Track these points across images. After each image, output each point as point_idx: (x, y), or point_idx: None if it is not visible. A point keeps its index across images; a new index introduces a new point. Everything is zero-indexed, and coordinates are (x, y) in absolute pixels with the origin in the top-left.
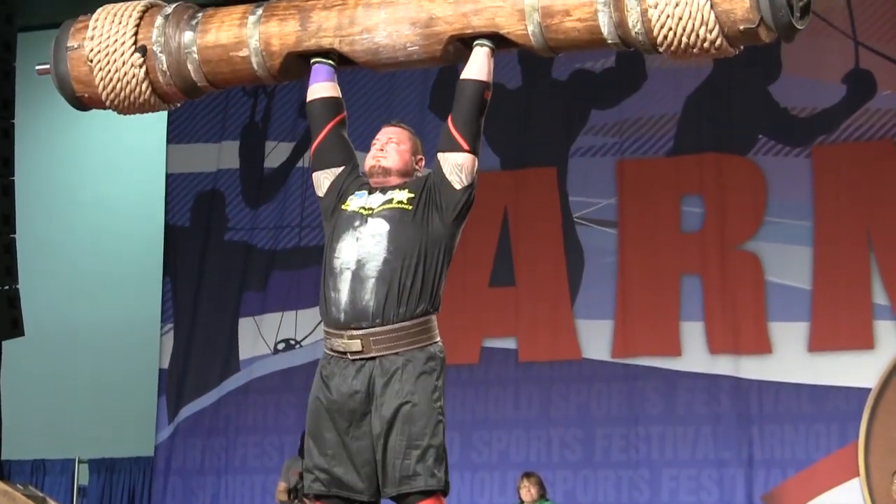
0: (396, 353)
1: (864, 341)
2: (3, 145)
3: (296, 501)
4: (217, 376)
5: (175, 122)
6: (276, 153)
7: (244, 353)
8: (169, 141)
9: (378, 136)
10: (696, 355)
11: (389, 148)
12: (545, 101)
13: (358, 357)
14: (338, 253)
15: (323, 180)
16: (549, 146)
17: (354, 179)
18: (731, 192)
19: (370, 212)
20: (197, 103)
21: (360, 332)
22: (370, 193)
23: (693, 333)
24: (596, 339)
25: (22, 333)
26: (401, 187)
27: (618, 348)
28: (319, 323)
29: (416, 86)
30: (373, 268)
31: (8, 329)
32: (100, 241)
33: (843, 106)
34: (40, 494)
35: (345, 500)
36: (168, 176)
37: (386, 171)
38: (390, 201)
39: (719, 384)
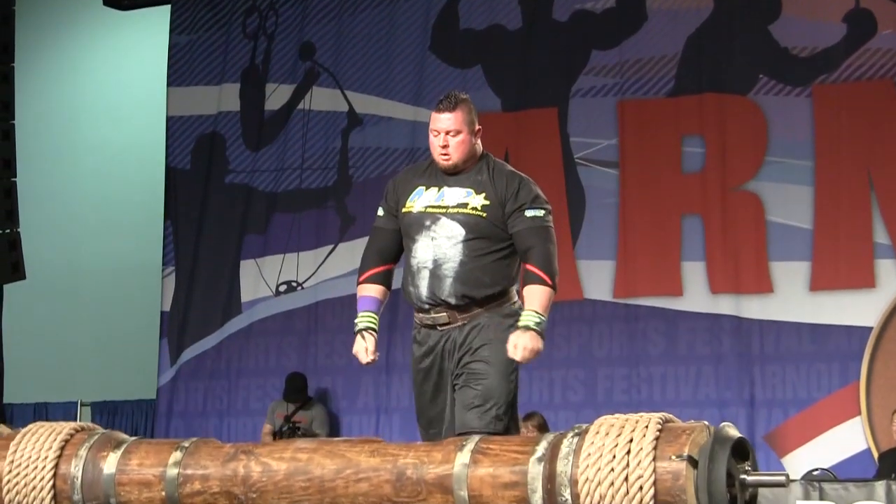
0: (478, 317)
1: (866, 280)
2: (3, 89)
3: None
4: (219, 319)
5: (175, 65)
6: (276, 95)
7: (245, 295)
8: (169, 84)
9: (434, 127)
10: (697, 295)
11: (452, 143)
12: (545, 41)
13: (445, 326)
14: (414, 252)
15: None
16: (549, 87)
17: (401, 188)
18: (732, 132)
19: (444, 210)
20: (197, 45)
21: (444, 309)
22: (438, 188)
23: (694, 273)
24: (597, 280)
25: (23, 277)
26: (476, 188)
27: (619, 288)
28: (320, 265)
29: (418, 26)
30: (450, 268)
31: (9, 272)
32: (100, 184)
33: (843, 45)
34: None
35: None
36: (168, 119)
37: (455, 167)
38: (465, 206)
39: (721, 324)
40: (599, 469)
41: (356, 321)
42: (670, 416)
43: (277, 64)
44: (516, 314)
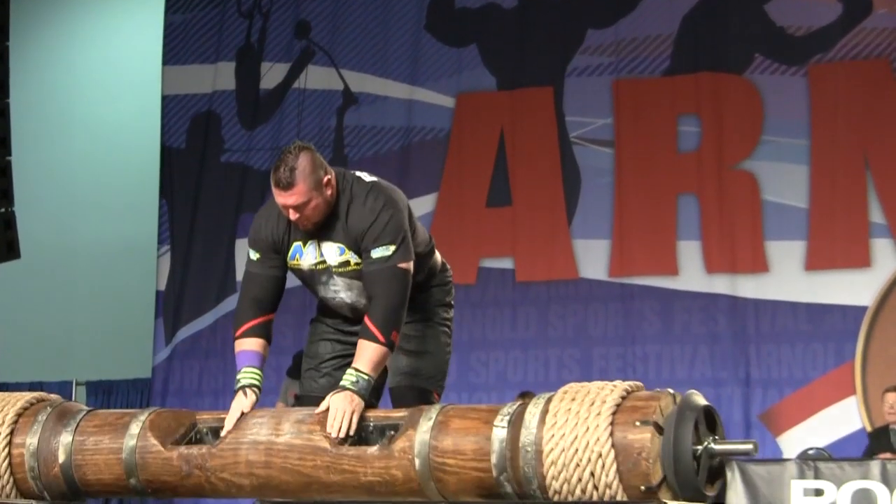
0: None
1: (861, 259)
2: None
3: None
4: (214, 298)
5: (171, 43)
6: (271, 74)
7: (241, 274)
8: (164, 62)
9: (278, 202)
10: (693, 274)
11: (303, 213)
12: (541, 20)
13: None
14: (326, 301)
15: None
16: (545, 66)
17: (276, 237)
18: (728, 111)
19: (333, 268)
20: (192, 24)
21: None
22: (314, 245)
23: (690, 252)
24: (593, 259)
25: (18, 256)
26: (346, 242)
27: (615, 268)
28: None
29: (413, 5)
30: (367, 306)
31: (4, 252)
32: (96, 163)
33: (839, 24)
34: None
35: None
36: (164, 97)
37: (317, 226)
38: (347, 264)
39: (716, 303)
40: (564, 435)
41: (237, 377)
42: (639, 384)
43: (273, 42)
44: (446, 285)
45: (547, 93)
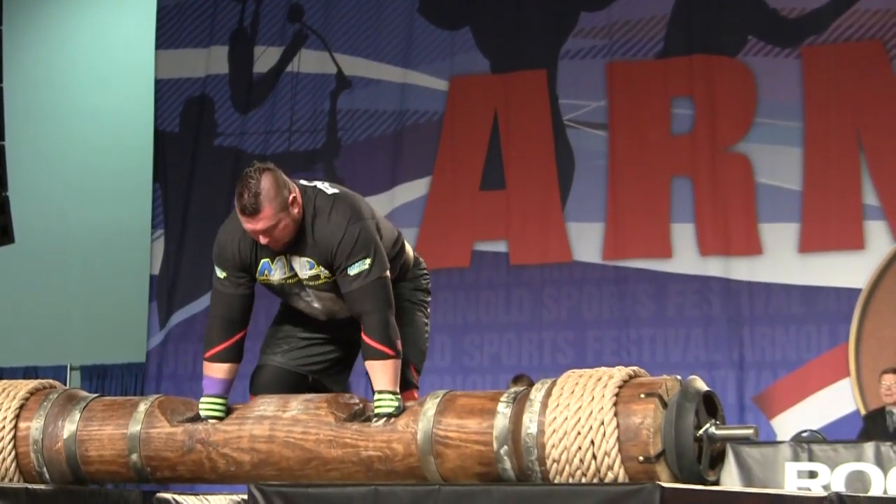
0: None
1: (855, 242)
2: None
3: None
4: (208, 282)
5: (164, 27)
6: (264, 58)
7: None
8: (158, 46)
9: (246, 228)
10: (686, 257)
11: (273, 236)
12: (534, 3)
13: None
14: (301, 310)
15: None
16: (538, 49)
17: (244, 255)
18: (721, 93)
19: (304, 281)
20: (185, 8)
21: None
22: (283, 260)
23: (684, 235)
24: (587, 242)
25: (12, 240)
26: (315, 258)
27: (608, 250)
28: None
29: None
30: (343, 313)
31: None
32: (90, 147)
33: (832, 6)
34: None
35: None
36: (157, 81)
37: (286, 245)
38: (318, 278)
39: (710, 286)
40: (569, 405)
41: (199, 402)
42: (642, 370)
43: (266, 26)
44: (421, 278)
45: (540, 76)
